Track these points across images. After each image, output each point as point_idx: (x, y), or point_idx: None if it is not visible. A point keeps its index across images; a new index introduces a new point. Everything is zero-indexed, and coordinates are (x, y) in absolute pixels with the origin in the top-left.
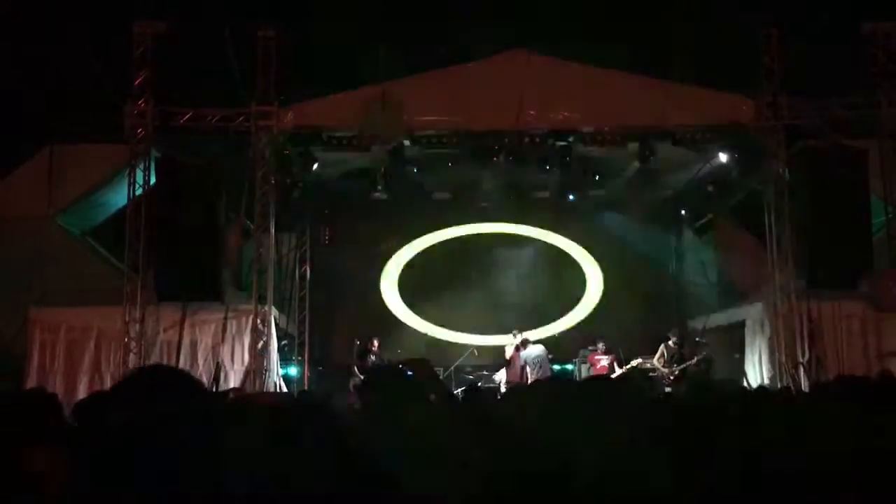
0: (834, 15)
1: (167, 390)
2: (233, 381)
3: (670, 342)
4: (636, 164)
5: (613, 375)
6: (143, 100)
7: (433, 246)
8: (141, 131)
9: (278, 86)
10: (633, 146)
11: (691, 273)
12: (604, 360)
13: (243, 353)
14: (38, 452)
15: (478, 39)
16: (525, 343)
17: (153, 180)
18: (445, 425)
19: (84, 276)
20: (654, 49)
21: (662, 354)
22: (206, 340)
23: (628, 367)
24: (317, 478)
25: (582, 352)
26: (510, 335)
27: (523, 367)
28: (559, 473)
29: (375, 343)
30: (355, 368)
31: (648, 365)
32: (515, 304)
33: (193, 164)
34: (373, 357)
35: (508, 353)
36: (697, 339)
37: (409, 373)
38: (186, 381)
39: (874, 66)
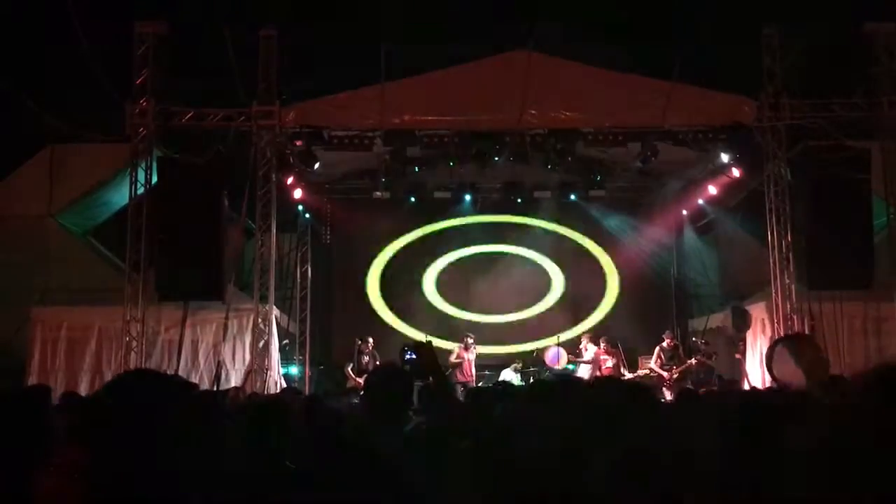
0: (835, 15)
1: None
2: (234, 380)
3: (664, 344)
4: (637, 164)
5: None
6: (144, 99)
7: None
8: (142, 131)
9: (279, 85)
10: (635, 146)
11: (692, 273)
12: (609, 362)
13: (244, 352)
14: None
15: (479, 39)
16: (468, 345)
17: (154, 180)
18: (445, 425)
19: (85, 276)
20: (656, 49)
21: (659, 356)
22: (207, 339)
23: (638, 374)
24: (316, 472)
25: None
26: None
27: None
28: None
29: (370, 343)
30: (349, 370)
31: (647, 369)
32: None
33: (195, 164)
34: (366, 357)
35: (457, 353)
36: (694, 339)
37: (412, 355)
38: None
39: (876, 66)
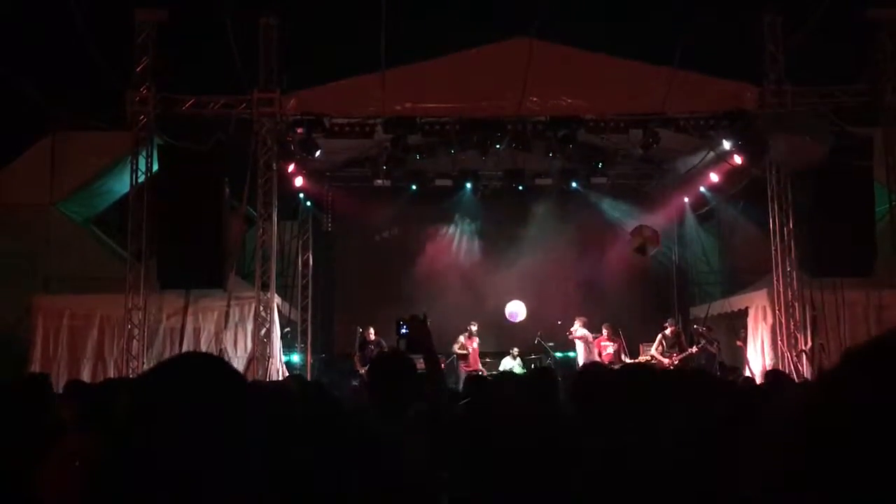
0: (838, 1)
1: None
2: (236, 367)
3: (667, 331)
4: (639, 151)
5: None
6: (145, 87)
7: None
8: (143, 118)
9: (280, 73)
10: (636, 133)
11: (694, 260)
12: (610, 348)
13: (246, 340)
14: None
15: (481, 26)
16: (472, 333)
17: (155, 168)
18: (446, 416)
19: (87, 264)
20: (658, 35)
21: (661, 343)
22: (209, 327)
23: (639, 360)
24: (321, 463)
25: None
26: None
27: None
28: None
29: (372, 332)
30: (356, 360)
31: (648, 356)
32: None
33: (196, 152)
34: (371, 346)
35: (462, 344)
36: (696, 326)
37: (406, 329)
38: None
39: (879, 52)
